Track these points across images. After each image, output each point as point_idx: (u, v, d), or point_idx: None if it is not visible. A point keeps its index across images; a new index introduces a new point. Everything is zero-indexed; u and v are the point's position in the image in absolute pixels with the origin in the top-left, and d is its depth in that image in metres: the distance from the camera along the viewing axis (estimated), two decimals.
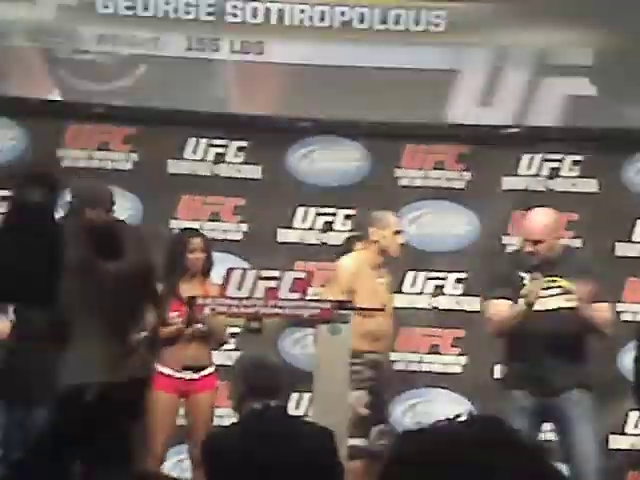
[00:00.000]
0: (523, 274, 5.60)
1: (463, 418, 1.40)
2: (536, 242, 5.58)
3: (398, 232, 6.26)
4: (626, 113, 7.35)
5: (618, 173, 7.39)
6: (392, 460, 1.38)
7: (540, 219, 5.66)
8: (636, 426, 7.12)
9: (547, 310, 5.55)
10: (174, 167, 7.42)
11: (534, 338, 5.51)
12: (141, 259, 2.74)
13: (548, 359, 5.51)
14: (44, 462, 2.58)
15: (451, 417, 1.40)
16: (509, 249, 6.81)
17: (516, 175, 7.44)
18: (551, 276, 5.57)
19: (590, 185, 7.40)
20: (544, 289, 5.57)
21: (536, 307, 5.55)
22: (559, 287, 5.58)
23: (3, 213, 3.21)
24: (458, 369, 7.28)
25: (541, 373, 5.52)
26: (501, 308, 5.62)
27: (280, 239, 7.37)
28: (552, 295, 5.58)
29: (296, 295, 5.41)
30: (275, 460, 3.86)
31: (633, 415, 7.06)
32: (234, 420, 4.33)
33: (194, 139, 7.43)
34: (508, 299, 5.60)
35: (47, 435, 2.95)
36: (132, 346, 4.32)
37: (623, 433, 7.14)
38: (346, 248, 6.63)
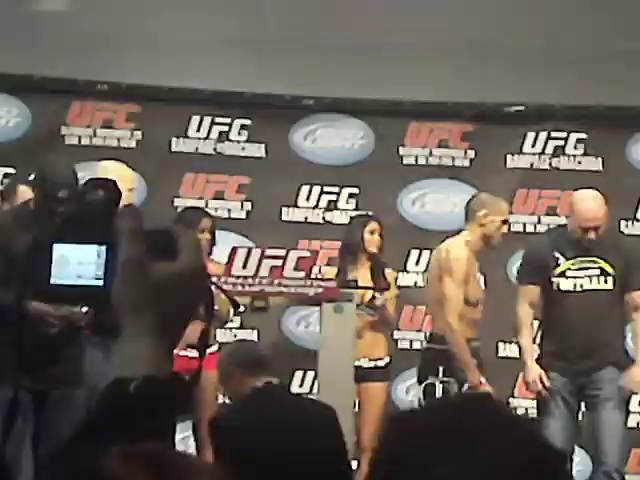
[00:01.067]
0: (558, 254, 5.62)
1: (454, 397, 1.39)
2: (595, 228, 5.58)
3: (506, 222, 5.92)
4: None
5: (622, 151, 7.36)
6: (381, 444, 1.35)
7: (596, 205, 5.63)
8: None
9: (583, 290, 5.60)
10: (178, 145, 7.40)
11: (567, 318, 5.57)
12: (193, 260, 2.79)
13: (579, 339, 5.54)
14: (81, 449, 2.61)
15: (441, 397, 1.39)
16: (517, 228, 6.79)
17: (521, 153, 7.41)
18: (592, 256, 5.61)
19: (595, 163, 7.38)
20: (582, 269, 5.61)
21: (571, 287, 5.60)
22: (598, 268, 5.63)
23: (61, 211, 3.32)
24: None
25: (572, 353, 5.56)
26: (529, 310, 5.68)
27: (284, 217, 7.36)
28: (589, 276, 5.62)
29: (301, 274, 5.41)
30: (280, 438, 3.88)
31: None
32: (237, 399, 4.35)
33: (197, 117, 7.40)
34: (540, 282, 5.63)
35: (87, 423, 3.00)
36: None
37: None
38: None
